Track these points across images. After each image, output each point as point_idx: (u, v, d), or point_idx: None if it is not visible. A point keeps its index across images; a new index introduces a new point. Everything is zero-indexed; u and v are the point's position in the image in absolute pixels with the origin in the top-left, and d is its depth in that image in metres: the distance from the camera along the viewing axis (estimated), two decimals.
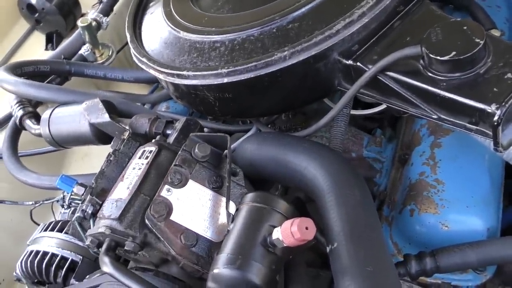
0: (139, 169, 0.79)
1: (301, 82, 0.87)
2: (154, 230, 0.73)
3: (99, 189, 0.82)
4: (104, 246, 0.74)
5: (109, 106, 0.97)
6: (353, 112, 1.02)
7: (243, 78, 0.83)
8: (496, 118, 0.67)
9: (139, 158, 0.82)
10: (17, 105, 1.14)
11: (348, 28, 0.80)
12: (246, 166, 0.85)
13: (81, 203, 0.83)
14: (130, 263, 0.83)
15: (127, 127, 0.92)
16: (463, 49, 0.70)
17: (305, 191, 0.81)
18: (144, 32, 1.06)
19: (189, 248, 0.73)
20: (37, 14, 1.65)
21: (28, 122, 1.12)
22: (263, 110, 0.97)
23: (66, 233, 1.06)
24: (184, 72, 0.87)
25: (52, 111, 1.03)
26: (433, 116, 0.76)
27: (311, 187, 0.77)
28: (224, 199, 0.78)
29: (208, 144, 0.81)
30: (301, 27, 0.84)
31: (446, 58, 0.71)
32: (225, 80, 0.84)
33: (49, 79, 1.28)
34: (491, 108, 0.67)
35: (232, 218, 0.72)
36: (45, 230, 1.09)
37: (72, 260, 1.02)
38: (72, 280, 1.01)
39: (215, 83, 0.85)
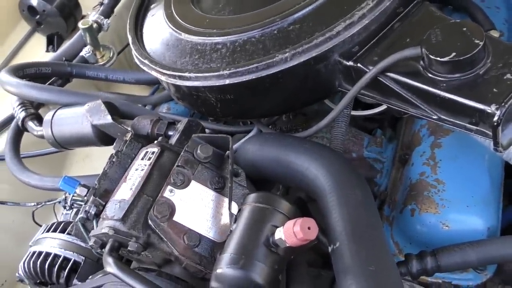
0: (142, 170, 0.79)
1: (302, 83, 0.87)
2: (157, 231, 0.73)
3: (102, 190, 0.83)
4: (108, 247, 0.74)
5: (111, 107, 0.97)
6: (354, 112, 1.02)
7: (244, 80, 0.83)
8: (496, 118, 0.67)
9: (142, 159, 0.82)
10: (19, 107, 1.15)
11: (349, 30, 0.81)
12: (248, 166, 0.85)
13: (84, 204, 0.83)
14: (132, 264, 0.83)
15: (129, 129, 0.92)
16: (462, 50, 0.71)
17: (307, 191, 0.82)
18: (146, 34, 1.06)
19: (192, 248, 0.73)
20: (38, 16, 1.65)
21: (31, 124, 1.12)
22: (264, 111, 0.98)
23: (68, 234, 1.07)
24: (186, 74, 0.88)
25: (55, 112, 1.04)
26: (433, 117, 0.76)
27: (312, 187, 0.78)
28: (226, 200, 0.78)
29: (210, 145, 0.81)
30: (302, 28, 0.85)
31: (446, 59, 0.71)
32: (227, 81, 0.85)
33: (50, 81, 1.28)
34: (491, 109, 0.68)
35: (234, 219, 0.73)
36: (48, 231, 1.10)
37: (74, 260, 1.03)
38: (75, 281, 1.02)
39: (217, 84, 0.86)
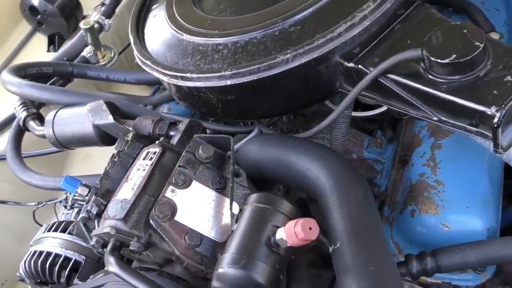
0: (144, 170, 0.80)
1: (303, 84, 0.88)
2: (158, 231, 0.73)
3: (104, 189, 0.83)
4: (109, 246, 0.74)
5: (112, 107, 0.98)
6: (354, 114, 1.03)
7: (246, 80, 0.84)
8: (496, 120, 0.68)
9: (143, 159, 0.82)
10: (21, 106, 1.15)
11: (350, 31, 0.81)
12: (249, 167, 0.85)
13: (86, 204, 0.84)
14: (133, 263, 0.84)
15: (130, 129, 0.93)
16: (463, 52, 0.71)
17: (308, 191, 0.82)
18: (147, 35, 1.06)
19: (193, 248, 0.74)
20: (39, 16, 1.66)
21: (32, 124, 1.12)
22: (265, 111, 0.98)
23: (69, 233, 1.07)
24: (188, 75, 0.88)
25: (56, 112, 1.04)
26: (434, 118, 0.76)
27: (313, 187, 0.78)
28: (227, 200, 0.79)
29: (211, 145, 0.81)
30: (303, 30, 0.85)
31: (446, 61, 0.72)
32: (228, 82, 0.85)
33: (51, 81, 1.28)
34: (491, 110, 0.68)
35: (236, 219, 0.73)
36: (49, 231, 1.10)
37: (75, 260, 1.03)
38: (76, 280, 1.02)
39: (218, 85, 0.86)
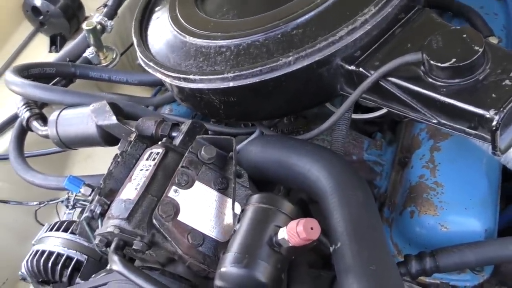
0: (147, 170, 0.80)
1: (305, 86, 0.88)
2: (161, 230, 0.74)
3: (107, 189, 0.84)
4: (113, 245, 0.75)
5: (115, 108, 0.99)
6: (354, 116, 1.03)
7: (248, 82, 0.85)
8: (494, 123, 0.68)
9: (147, 159, 0.83)
10: (24, 106, 1.15)
11: (351, 35, 0.82)
12: (251, 168, 0.86)
13: (90, 203, 0.84)
14: (135, 262, 0.84)
15: (133, 129, 0.93)
16: (462, 56, 0.72)
17: (308, 192, 0.83)
18: (150, 36, 1.07)
19: (196, 247, 0.74)
20: (41, 17, 1.66)
21: (35, 124, 1.13)
22: (266, 113, 0.99)
23: (72, 233, 1.08)
24: (191, 76, 0.89)
25: (60, 113, 1.05)
26: (433, 121, 0.77)
27: (314, 188, 0.79)
28: (229, 200, 0.79)
29: (213, 146, 0.82)
30: (305, 33, 0.86)
31: (446, 64, 0.72)
32: (231, 84, 0.86)
33: (54, 81, 1.29)
34: (489, 114, 0.69)
35: (238, 219, 0.74)
36: (51, 230, 1.10)
37: (77, 259, 1.04)
38: (78, 279, 1.02)
39: (221, 87, 0.87)
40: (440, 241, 0.86)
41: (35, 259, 1.05)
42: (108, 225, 0.76)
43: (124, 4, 1.56)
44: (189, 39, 0.96)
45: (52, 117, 1.05)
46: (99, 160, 1.54)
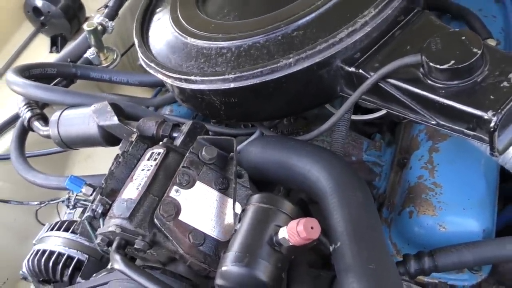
0: (148, 170, 0.81)
1: (305, 88, 0.89)
2: (163, 229, 0.75)
3: (109, 189, 0.84)
4: (115, 244, 0.75)
5: (116, 109, 0.99)
6: (354, 117, 1.04)
7: (249, 84, 0.85)
8: (492, 124, 0.69)
9: (148, 159, 0.83)
10: (25, 107, 1.16)
11: (351, 37, 0.82)
12: (251, 168, 0.87)
13: (91, 203, 0.84)
14: (136, 261, 0.85)
15: (134, 130, 0.94)
16: (461, 58, 0.72)
17: (308, 193, 0.84)
18: (151, 38, 1.08)
19: (197, 247, 0.75)
20: (42, 17, 1.67)
21: (37, 124, 1.13)
22: (267, 114, 0.99)
23: (73, 232, 1.08)
24: (192, 77, 0.90)
25: (61, 113, 1.05)
26: (432, 122, 0.78)
27: (314, 189, 0.80)
28: (229, 200, 0.80)
29: (214, 147, 0.83)
30: (306, 35, 0.86)
31: (445, 66, 0.73)
32: (232, 85, 0.86)
33: (55, 82, 1.29)
34: (487, 115, 0.70)
35: (239, 218, 0.74)
36: (52, 230, 1.11)
37: (78, 259, 1.04)
38: (78, 279, 1.03)
39: (222, 88, 0.87)
40: (439, 241, 0.86)
41: (36, 259, 1.06)
42: (110, 225, 0.77)
43: (125, 5, 1.57)
44: (190, 40, 0.97)
45: (53, 118, 1.06)
46: (99, 160, 1.55)
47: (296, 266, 0.78)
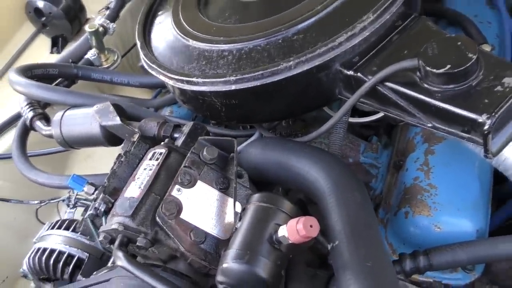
0: (150, 169, 0.82)
1: (304, 90, 0.90)
2: (164, 227, 0.75)
3: (111, 188, 0.85)
4: (117, 242, 0.76)
5: (118, 109, 1.00)
6: (351, 119, 1.05)
7: (250, 86, 0.86)
8: (486, 127, 0.70)
9: (150, 159, 0.84)
10: (27, 106, 1.16)
11: (350, 41, 0.83)
12: (251, 169, 0.88)
13: (94, 201, 0.85)
14: (137, 259, 0.86)
15: (136, 130, 0.95)
16: (457, 63, 0.74)
17: (307, 193, 0.85)
18: (154, 40, 1.09)
19: (198, 244, 0.76)
20: (44, 18, 1.67)
21: (39, 123, 1.14)
22: (267, 116, 1.01)
23: (73, 231, 1.09)
24: (194, 79, 0.91)
25: (64, 113, 1.06)
26: (428, 125, 0.79)
27: (313, 189, 0.81)
28: (230, 199, 0.81)
29: (215, 147, 0.84)
30: (306, 38, 0.88)
31: (441, 71, 0.74)
32: (233, 87, 0.87)
33: (56, 82, 1.30)
34: (482, 118, 0.71)
35: (239, 217, 0.76)
36: (52, 228, 1.12)
37: (78, 257, 1.05)
38: (79, 277, 1.04)
39: (223, 89, 0.88)
40: (433, 240, 0.88)
41: (37, 257, 1.07)
42: (113, 222, 0.77)
43: (125, 7, 1.57)
44: (192, 43, 0.98)
45: (56, 117, 1.06)
46: (98, 160, 1.57)
47: (294, 265, 0.80)
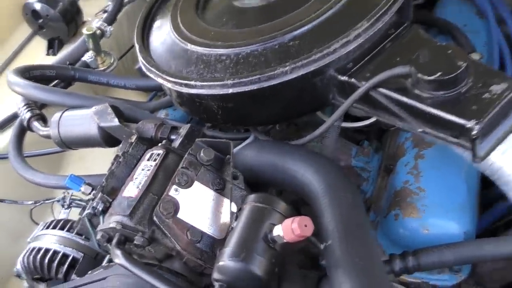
0: (148, 170, 0.83)
1: (299, 95, 0.92)
2: (161, 227, 0.77)
3: (109, 187, 0.86)
4: (115, 240, 0.78)
5: (116, 111, 1.01)
6: (343, 124, 1.06)
7: (247, 90, 0.88)
8: (474, 132, 0.72)
9: (148, 160, 0.86)
10: (25, 107, 1.17)
11: (345, 47, 0.85)
12: (246, 171, 0.90)
13: (92, 201, 0.86)
14: None
15: (134, 131, 0.96)
16: (447, 70, 0.76)
17: (301, 194, 0.87)
18: (152, 43, 1.10)
19: (194, 243, 0.77)
20: (41, 20, 1.67)
21: (36, 124, 1.15)
22: (262, 119, 1.02)
23: (68, 231, 1.10)
24: (192, 82, 0.92)
25: (62, 114, 1.07)
26: (419, 130, 0.80)
27: (307, 191, 0.84)
28: (225, 200, 0.83)
29: (212, 149, 0.86)
30: (302, 44, 0.89)
31: (432, 77, 0.76)
32: (230, 90, 0.89)
33: (53, 84, 1.31)
34: (470, 124, 0.73)
35: (235, 217, 0.77)
36: (47, 228, 1.13)
37: (73, 257, 1.06)
38: (73, 276, 1.05)
39: (221, 93, 0.90)
40: (422, 242, 0.90)
41: (31, 256, 1.07)
42: (111, 221, 0.79)
43: (122, 11, 1.59)
44: (191, 47, 0.99)
45: (54, 118, 1.08)
46: (92, 161, 1.57)
47: (286, 266, 0.81)
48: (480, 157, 0.75)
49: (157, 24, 1.14)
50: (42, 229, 1.14)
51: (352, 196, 0.80)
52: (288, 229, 0.69)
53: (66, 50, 1.50)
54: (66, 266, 1.06)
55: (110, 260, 0.97)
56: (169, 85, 0.97)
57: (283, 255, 0.74)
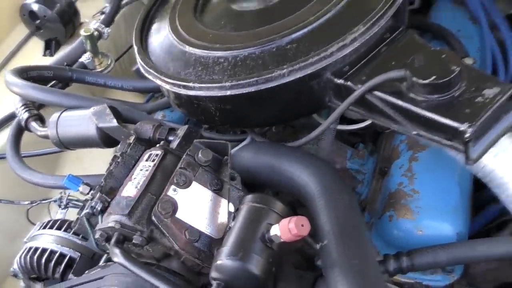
0: (146, 170, 0.84)
1: (296, 97, 0.93)
2: (160, 226, 0.77)
3: (108, 187, 0.87)
4: (114, 239, 0.78)
5: (115, 112, 1.02)
6: (339, 127, 1.08)
7: (244, 92, 0.89)
8: (467, 135, 0.74)
9: (146, 160, 0.87)
10: (23, 107, 1.17)
11: (341, 51, 0.86)
12: (243, 172, 0.90)
13: (90, 200, 0.87)
14: None
15: (132, 132, 0.97)
16: (441, 74, 0.77)
17: (297, 196, 0.88)
18: (150, 45, 1.11)
19: (192, 243, 0.78)
20: (38, 21, 1.67)
21: (34, 124, 1.15)
22: (259, 121, 1.03)
23: (65, 231, 1.11)
24: (190, 84, 0.93)
25: (60, 114, 1.08)
26: (413, 132, 0.82)
27: (303, 192, 0.85)
28: (223, 200, 0.84)
29: (210, 150, 0.87)
30: (299, 48, 0.91)
31: (426, 81, 0.78)
32: (228, 92, 0.90)
33: (50, 84, 1.31)
34: (463, 127, 0.74)
35: (233, 217, 0.78)
36: (44, 228, 1.12)
37: (70, 256, 1.06)
38: (70, 276, 1.05)
39: (219, 95, 0.91)
40: (416, 243, 0.91)
41: (28, 256, 1.07)
42: (109, 221, 0.79)
43: (119, 12, 1.60)
44: (189, 49, 1.00)
45: (52, 118, 1.08)
46: (89, 162, 1.57)
47: (282, 266, 0.82)
48: (473, 160, 0.76)
49: (155, 26, 1.15)
50: (39, 229, 1.14)
51: (347, 198, 0.81)
52: (285, 229, 0.70)
53: (64, 51, 1.50)
54: (63, 266, 1.06)
55: (108, 260, 0.97)
56: (167, 86, 0.97)
57: (280, 254, 0.75)
